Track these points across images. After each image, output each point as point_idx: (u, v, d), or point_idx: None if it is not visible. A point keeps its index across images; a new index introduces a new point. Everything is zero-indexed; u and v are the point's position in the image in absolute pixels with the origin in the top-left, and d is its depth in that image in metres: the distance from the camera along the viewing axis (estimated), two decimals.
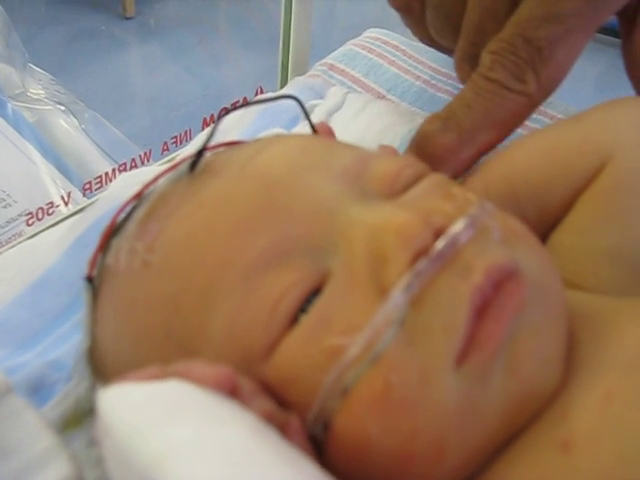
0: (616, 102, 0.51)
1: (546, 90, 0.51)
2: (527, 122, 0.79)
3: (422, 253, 0.36)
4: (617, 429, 0.35)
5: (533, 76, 0.49)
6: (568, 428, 0.35)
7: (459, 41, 0.57)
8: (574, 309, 0.41)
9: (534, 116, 0.79)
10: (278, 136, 0.48)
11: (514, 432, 0.36)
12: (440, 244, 0.36)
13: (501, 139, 0.53)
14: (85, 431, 0.51)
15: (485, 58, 0.51)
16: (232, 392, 0.34)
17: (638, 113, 0.49)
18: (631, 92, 0.58)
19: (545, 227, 0.50)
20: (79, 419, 0.51)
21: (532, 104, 0.51)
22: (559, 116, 0.79)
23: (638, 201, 0.47)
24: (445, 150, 0.51)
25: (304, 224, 0.39)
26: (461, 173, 0.53)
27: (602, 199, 0.47)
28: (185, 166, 0.43)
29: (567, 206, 0.49)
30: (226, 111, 0.45)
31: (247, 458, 0.28)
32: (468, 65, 0.56)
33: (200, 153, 0.43)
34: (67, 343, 0.56)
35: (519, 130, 0.72)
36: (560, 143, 0.50)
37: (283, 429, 0.34)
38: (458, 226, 0.37)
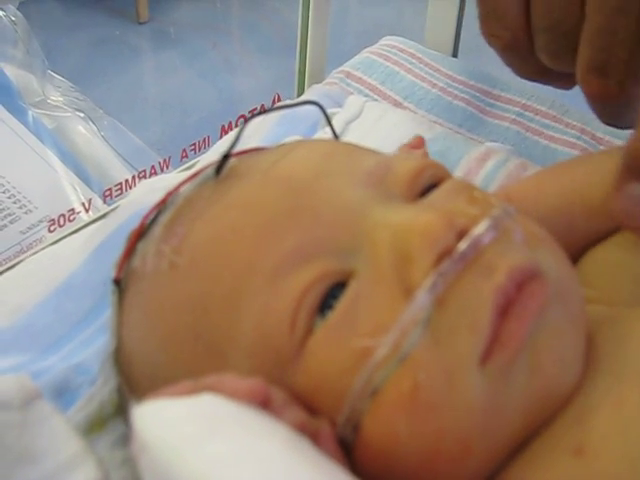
0: None
1: None
2: (545, 131, 0.80)
3: (446, 254, 0.36)
4: (629, 435, 0.35)
5: None
6: (582, 433, 0.36)
7: (580, 53, 0.50)
8: (593, 317, 0.42)
9: (549, 123, 0.80)
10: (302, 141, 0.48)
11: (532, 432, 0.37)
12: (463, 245, 0.37)
13: None
14: (109, 434, 0.52)
15: None
16: (264, 404, 0.34)
17: None
18: None
19: (592, 240, 0.50)
20: (103, 422, 0.52)
21: None
22: (575, 123, 0.80)
23: None
24: None
25: (329, 226, 0.39)
26: None
27: None
28: (210, 170, 0.44)
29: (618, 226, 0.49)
30: (252, 116, 0.46)
31: (286, 473, 0.28)
32: (597, 75, 0.49)
33: (226, 157, 0.44)
34: (91, 347, 0.57)
35: (537, 138, 0.73)
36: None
37: (314, 437, 0.34)
38: (481, 227, 0.38)
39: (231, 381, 0.34)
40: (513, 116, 0.83)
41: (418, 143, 0.53)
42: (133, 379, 0.45)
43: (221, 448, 0.29)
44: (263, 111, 0.49)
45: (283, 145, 0.48)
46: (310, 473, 0.29)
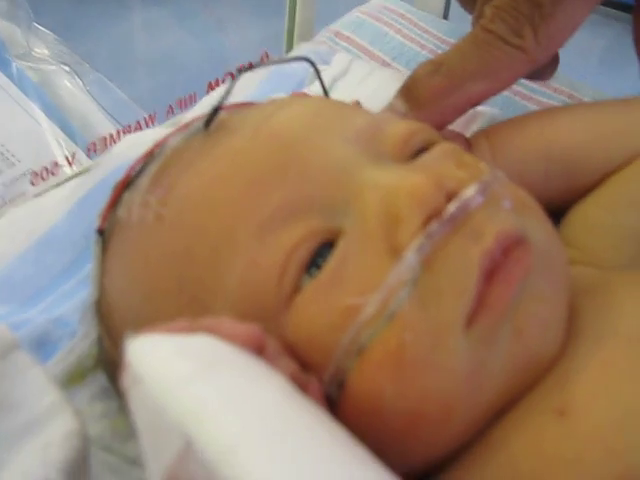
0: None
1: (544, 48, 0.51)
2: (533, 95, 0.80)
3: (435, 215, 0.36)
4: (612, 398, 0.35)
5: (531, 32, 0.49)
6: (565, 395, 0.36)
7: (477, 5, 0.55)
8: (577, 281, 0.42)
9: (537, 88, 0.80)
10: (294, 97, 0.48)
11: (515, 397, 0.37)
12: (452, 207, 0.37)
13: (492, 92, 0.52)
14: (88, 386, 0.52)
15: (487, 11, 0.51)
16: (259, 350, 0.34)
17: None
18: (634, 67, 0.58)
19: (568, 196, 0.51)
20: (82, 374, 0.52)
21: (528, 60, 0.50)
22: (563, 88, 0.79)
23: None
24: (432, 93, 0.51)
25: (319, 183, 0.39)
26: (447, 121, 0.53)
27: (638, 181, 0.49)
28: (200, 124, 0.44)
29: (597, 182, 0.50)
30: (242, 69, 0.46)
31: (281, 415, 0.28)
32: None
33: (216, 110, 0.43)
34: (71, 300, 0.57)
35: (525, 103, 0.73)
36: (606, 120, 0.51)
37: (304, 389, 0.34)
38: (470, 191, 0.38)
39: (228, 324, 0.34)
40: None
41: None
42: (114, 330, 0.45)
43: (214, 388, 0.28)
44: (252, 66, 0.48)
45: (275, 101, 0.48)
46: (305, 417, 0.29)
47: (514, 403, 0.37)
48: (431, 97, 0.51)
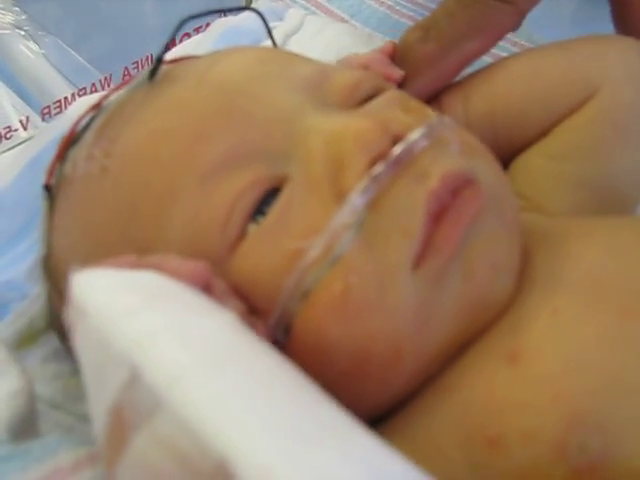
0: (608, 39, 0.52)
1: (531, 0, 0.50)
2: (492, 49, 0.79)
3: (380, 158, 0.36)
4: (562, 344, 0.36)
5: None
6: (516, 340, 0.36)
7: None
8: (529, 229, 0.43)
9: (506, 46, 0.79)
10: (237, 47, 0.47)
11: (466, 341, 0.38)
12: (397, 150, 0.37)
13: (485, 49, 0.52)
14: (40, 348, 0.51)
15: None
16: (206, 288, 0.34)
17: (630, 54, 0.51)
18: (606, 27, 0.58)
19: (516, 148, 0.51)
20: (34, 337, 0.52)
21: (517, 13, 0.50)
22: (522, 42, 0.79)
23: (617, 135, 0.49)
24: (427, 59, 0.51)
25: (263, 129, 0.39)
26: (445, 82, 0.53)
27: (583, 129, 0.49)
28: (144, 75, 0.43)
29: (542, 131, 0.50)
30: (185, 19, 0.45)
31: (227, 346, 0.28)
32: None
33: (159, 61, 0.43)
34: (23, 263, 0.56)
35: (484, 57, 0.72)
36: (545, 69, 0.51)
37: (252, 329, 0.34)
38: (416, 134, 0.37)
39: (175, 260, 0.34)
40: None
41: (389, 49, 0.53)
42: (62, 286, 0.45)
43: (160, 318, 0.28)
44: (203, 13, 0.47)
45: (218, 51, 0.47)
46: (251, 350, 0.29)
47: (466, 348, 0.38)
48: (427, 64, 0.51)
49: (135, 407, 0.26)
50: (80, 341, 0.30)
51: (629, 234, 0.42)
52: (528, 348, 0.36)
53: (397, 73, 0.51)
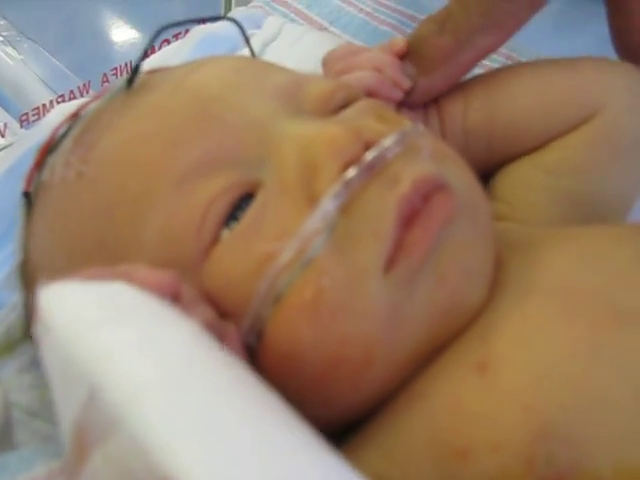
0: (613, 65, 0.53)
1: None
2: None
3: (352, 164, 0.36)
4: (531, 353, 0.36)
5: None
6: (485, 349, 0.36)
7: None
8: (504, 236, 0.43)
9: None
10: (214, 56, 0.48)
11: (438, 347, 0.37)
12: (370, 155, 0.37)
13: (500, 43, 0.51)
14: (17, 358, 0.51)
15: None
16: (175, 298, 0.34)
17: (633, 81, 0.51)
18: (589, 29, 0.58)
19: (508, 158, 0.52)
20: (10, 346, 0.51)
21: (531, 7, 0.50)
22: (501, 49, 0.79)
23: (613, 159, 0.50)
24: (442, 53, 0.50)
25: (237, 136, 0.39)
26: (458, 78, 0.52)
27: (580, 148, 0.50)
28: (121, 83, 0.43)
29: (539, 145, 0.51)
30: (162, 28, 0.45)
31: (186, 362, 0.28)
32: None
33: (136, 69, 0.43)
34: (0, 272, 0.56)
35: None
36: (554, 84, 0.51)
37: (221, 337, 0.34)
38: (388, 140, 0.38)
39: (143, 271, 0.34)
40: None
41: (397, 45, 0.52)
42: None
43: (126, 331, 0.28)
44: (179, 22, 0.48)
45: (194, 61, 0.47)
46: (214, 364, 0.29)
47: (437, 355, 0.38)
48: (441, 57, 0.50)
49: (94, 425, 0.26)
50: (46, 357, 0.30)
51: (606, 242, 0.42)
52: (497, 357, 0.36)
53: (406, 84, 0.51)
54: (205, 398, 0.26)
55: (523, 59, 0.77)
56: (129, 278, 0.33)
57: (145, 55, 0.43)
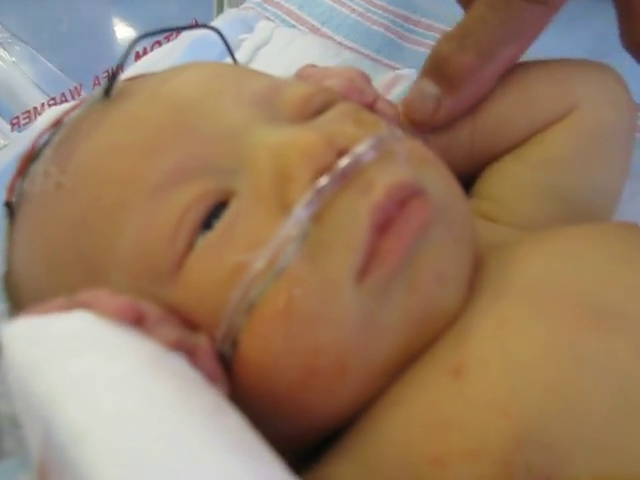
0: (588, 62, 0.52)
1: None
2: None
3: (325, 171, 0.36)
4: (506, 357, 0.35)
5: None
6: (460, 354, 0.36)
7: None
8: (485, 238, 0.43)
9: None
10: (193, 62, 0.47)
11: (414, 354, 0.37)
12: (343, 162, 0.36)
13: (520, 53, 0.50)
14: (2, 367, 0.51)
15: None
16: (137, 321, 0.33)
17: (609, 79, 0.51)
18: (587, 25, 0.57)
19: (492, 157, 0.51)
20: None
21: (549, 10, 0.48)
22: None
23: (597, 152, 0.50)
24: (467, 69, 0.48)
25: (211, 144, 0.39)
26: (486, 93, 0.50)
27: (564, 141, 0.50)
28: (100, 91, 0.43)
29: (521, 141, 0.50)
30: (144, 35, 0.45)
31: (138, 390, 0.28)
32: None
33: (113, 77, 0.43)
34: None
35: None
36: (531, 84, 0.51)
37: (192, 353, 0.34)
38: (362, 147, 0.37)
39: (103, 298, 0.34)
40: (432, 42, 0.81)
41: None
42: (21, 304, 0.44)
43: (79, 367, 0.28)
44: (161, 30, 0.47)
45: (176, 66, 0.47)
46: (164, 389, 0.29)
47: (413, 361, 0.37)
48: (466, 74, 0.48)
49: (52, 463, 0.26)
50: (12, 393, 0.30)
51: (586, 243, 0.41)
52: (473, 361, 0.36)
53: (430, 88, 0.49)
54: (154, 432, 0.26)
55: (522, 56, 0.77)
56: (89, 307, 0.33)
57: (122, 64, 0.43)
